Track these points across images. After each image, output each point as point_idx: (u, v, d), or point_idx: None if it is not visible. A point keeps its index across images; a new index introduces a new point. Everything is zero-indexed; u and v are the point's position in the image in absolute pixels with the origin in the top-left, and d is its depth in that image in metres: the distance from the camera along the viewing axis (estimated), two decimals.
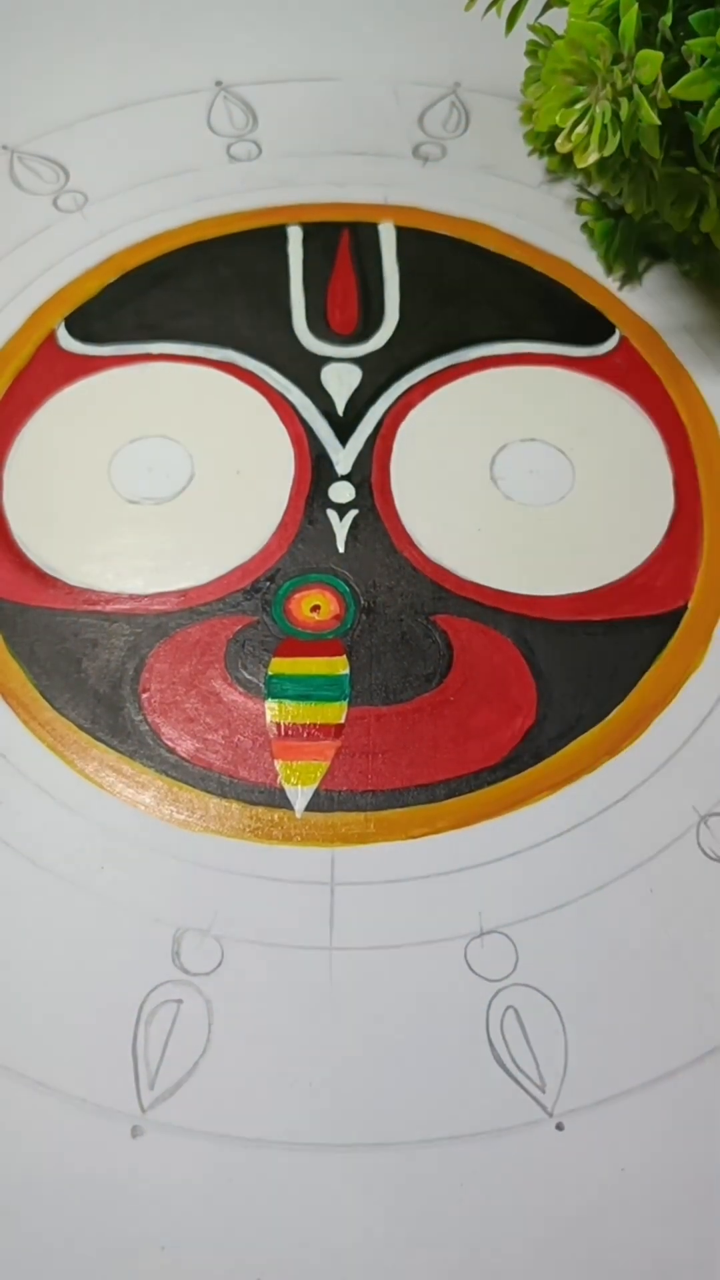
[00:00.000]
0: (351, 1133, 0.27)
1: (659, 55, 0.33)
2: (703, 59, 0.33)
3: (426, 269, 0.41)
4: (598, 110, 0.34)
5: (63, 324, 0.40)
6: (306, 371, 0.39)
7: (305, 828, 0.31)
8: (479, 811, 0.31)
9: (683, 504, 0.37)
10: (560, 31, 0.36)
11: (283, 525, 0.36)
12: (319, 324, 0.40)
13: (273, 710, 0.32)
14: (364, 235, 0.42)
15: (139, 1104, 0.27)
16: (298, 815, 0.31)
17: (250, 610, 0.34)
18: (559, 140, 0.36)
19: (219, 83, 0.46)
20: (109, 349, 0.39)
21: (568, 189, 0.43)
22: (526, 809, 0.31)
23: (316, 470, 0.37)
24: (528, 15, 0.39)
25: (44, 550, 0.35)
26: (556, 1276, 0.26)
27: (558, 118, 0.35)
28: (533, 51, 0.42)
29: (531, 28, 0.40)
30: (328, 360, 0.39)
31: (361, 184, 0.43)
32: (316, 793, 0.31)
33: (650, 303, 0.41)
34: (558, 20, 0.37)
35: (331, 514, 0.36)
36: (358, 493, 0.36)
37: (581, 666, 0.34)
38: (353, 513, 0.36)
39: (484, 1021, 0.28)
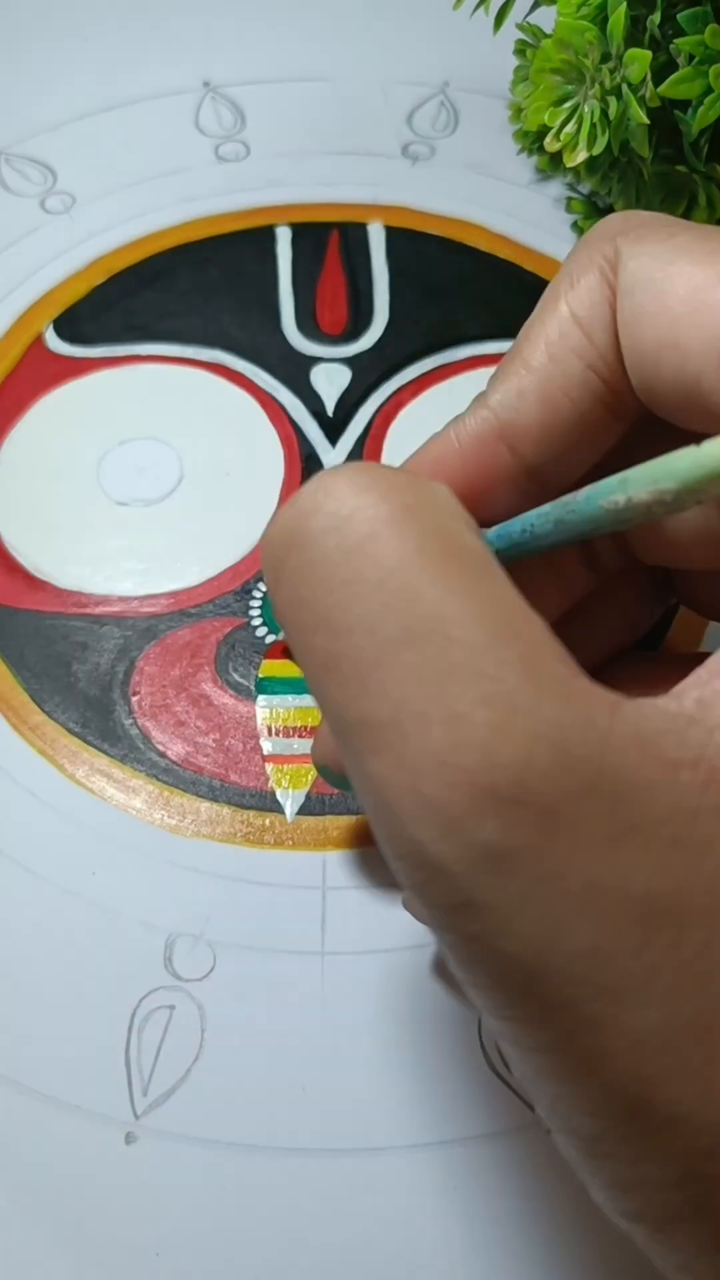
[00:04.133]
0: (344, 1138, 0.27)
1: (647, 54, 0.33)
2: (691, 57, 0.33)
3: (416, 268, 0.41)
4: (586, 109, 0.34)
5: (51, 326, 0.39)
6: (296, 372, 0.39)
7: (296, 832, 0.31)
8: None
9: None
10: (548, 30, 0.36)
11: None
12: (308, 324, 0.40)
13: (264, 713, 0.32)
14: (353, 235, 0.42)
15: (132, 1110, 0.27)
16: (289, 819, 0.31)
17: (240, 612, 0.34)
18: (548, 139, 0.36)
19: (207, 83, 0.46)
20: (97, 350, 0.39)
21: (557, 188, 0.43)
22: None
23: (307, 471, 0.37)
24: (516, 14, 0.39)
25: (32, 553, 0.35)
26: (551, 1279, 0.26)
27: (546, 116, 0.35)
28: (521, 50, 0.42)
29: (520, 26, 0.40)
30: (317, 360, 0.39)
31: (350, 184, 0.43)
32: (308, 796, 0.31)
33: None
34: (546, 19, 0.37)
35: None
36: None
37: None
38: None
39: (476, 1025, 0.28)
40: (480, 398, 0.21)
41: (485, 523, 0.21)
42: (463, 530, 0.18)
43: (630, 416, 0.21)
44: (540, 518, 0.20)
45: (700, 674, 0.17)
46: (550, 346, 0.21)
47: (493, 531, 0.21)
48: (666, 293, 0.19)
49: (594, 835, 0.15)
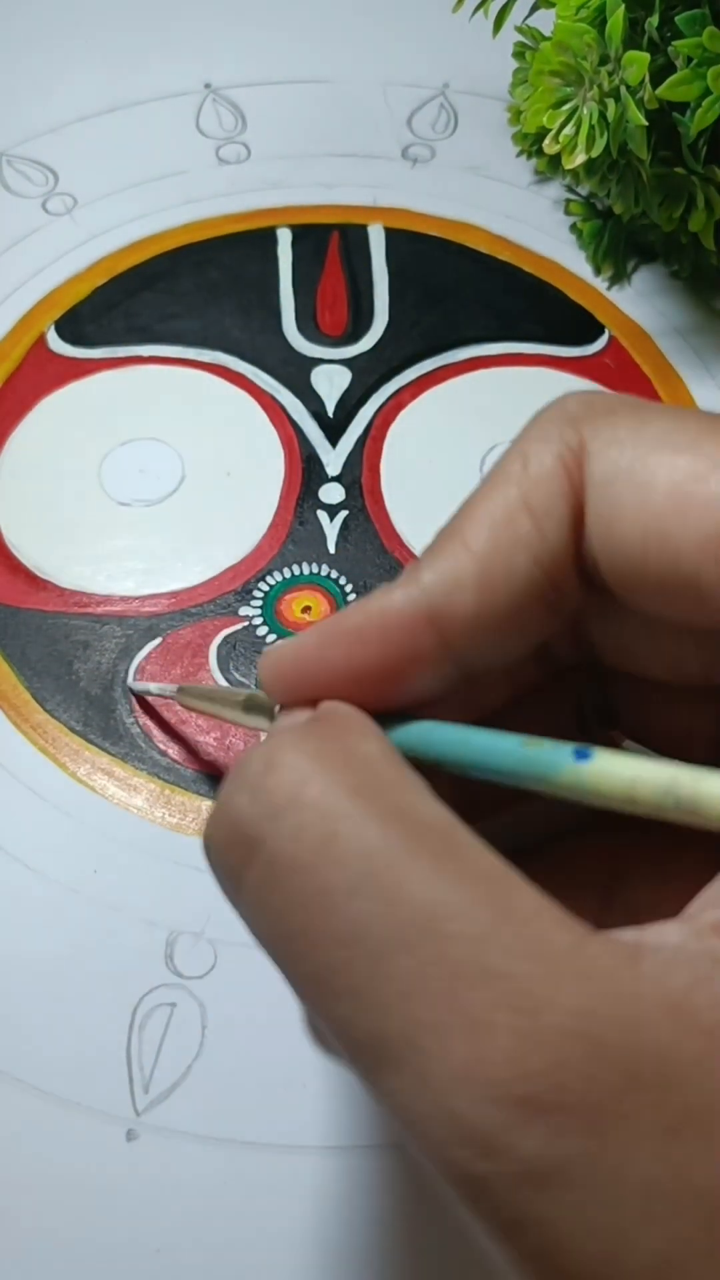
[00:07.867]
0: (345, 1134, 0.27)
1: (645, 56, 0.33)
2: (689, 59, 0.33)
3: (416, 270, 0.41)
4: (585, 111, 0.34)
5: (53, 327, 0.40)
6: (296, 373, 0.39)
7: None
8: None
9: None
10: (547, 33, 0.36)
11: (273, 527, 0.36)
12: (309, 326, 0.40)
13: None
14: (353, 237, 0.42)
15: (133, 1107, 0.27)
16: None
17: (241, 612, 0.34)
18: (547, 141, 0.36)
19: (208, 85, 0.46)
20: (99, 352, 0.39)
21: (556, 190, 0.44)
22: None
23: (307, 472, 0.37)
24: (515, 17, 0.39)
25: (35, 553, 0.35)
26: None
27: (545, 119, 0.35)
28: (520, 53, 0.42)
29: (519, 29, 0.41)
30: (318, 362, 0.39)
31: (350, 186, 0.43)
32: None
33: (639, 303, 0.41)
34: (545, 22, 0.37)
35: (322, 515, 0.36)
36: (348, 494, 0.36)
37: None
38: (343, 514, 0.36)
39: None
40: (412, 571, 0.19)
41: (395, 706, 0.20)
42: (415, 798, 0.17)
43: (568, 611, 0.20)
44: (493, 757, 0.18)
45: (711, 892, 0.16)
46: (496, 532, 0.19)
47: (425, 733, 0.20)
48: (649, 485, 0.18)
49: (647, 1130, 0.14)
